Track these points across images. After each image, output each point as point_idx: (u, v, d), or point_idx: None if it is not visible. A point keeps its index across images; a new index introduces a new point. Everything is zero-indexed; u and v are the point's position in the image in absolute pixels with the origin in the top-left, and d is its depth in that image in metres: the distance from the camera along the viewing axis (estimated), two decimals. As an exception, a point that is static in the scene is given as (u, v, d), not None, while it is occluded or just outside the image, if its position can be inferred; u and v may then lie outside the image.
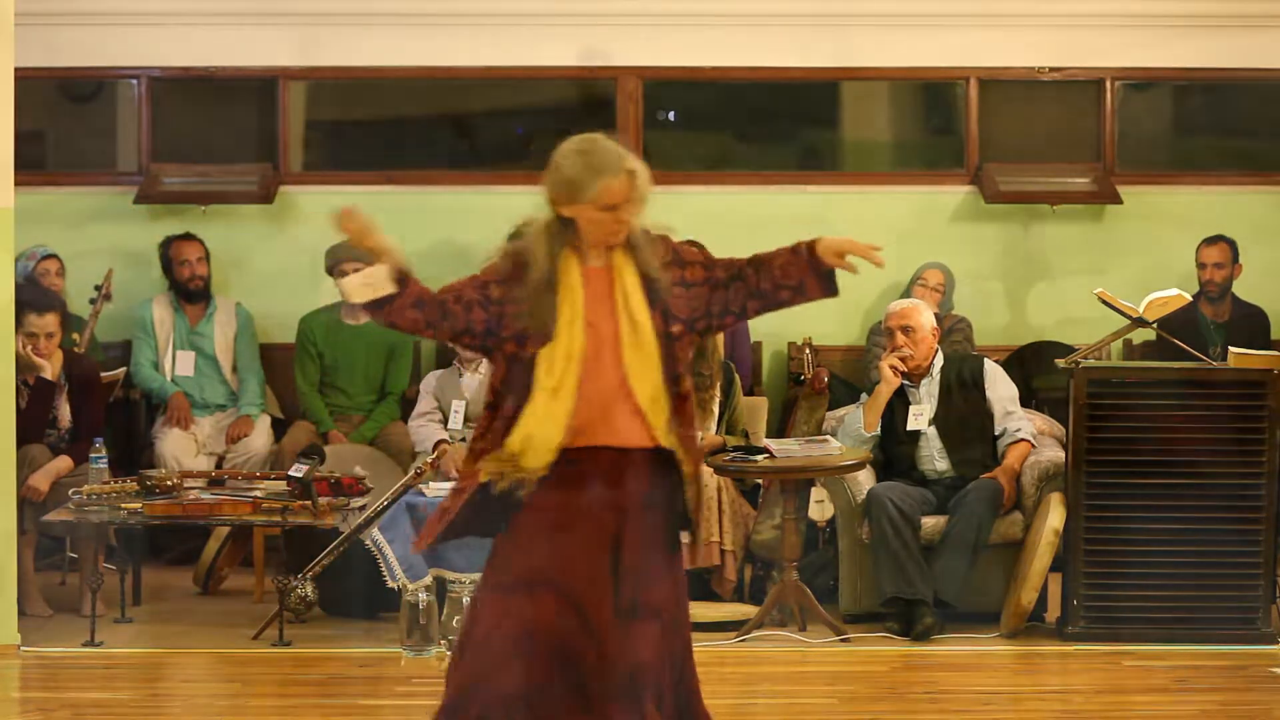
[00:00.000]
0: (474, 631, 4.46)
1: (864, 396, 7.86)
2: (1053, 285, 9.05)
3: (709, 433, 7.91)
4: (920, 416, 7.64)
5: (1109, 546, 7.24)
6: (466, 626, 4.51)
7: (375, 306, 4.43)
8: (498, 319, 4.43)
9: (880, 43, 9.16)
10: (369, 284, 4.40)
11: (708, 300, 4.52)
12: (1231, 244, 8.78)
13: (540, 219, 4.49)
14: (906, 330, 7.66)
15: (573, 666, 4.40)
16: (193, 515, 7.22)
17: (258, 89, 9.29)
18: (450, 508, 4.51)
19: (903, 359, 7.63)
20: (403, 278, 4.42)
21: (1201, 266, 8.80)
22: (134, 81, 9.20)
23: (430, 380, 8.28)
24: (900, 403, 7.68)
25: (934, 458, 7.64)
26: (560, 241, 4.46)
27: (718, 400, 7.97)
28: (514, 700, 4.38)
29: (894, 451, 7.67)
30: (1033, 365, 8.76)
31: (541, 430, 4.38)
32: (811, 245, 4.56)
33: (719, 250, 8.82)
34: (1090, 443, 7.24)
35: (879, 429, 7.67)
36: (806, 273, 4.55)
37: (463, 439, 7.83)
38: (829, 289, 4.56)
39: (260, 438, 8.57)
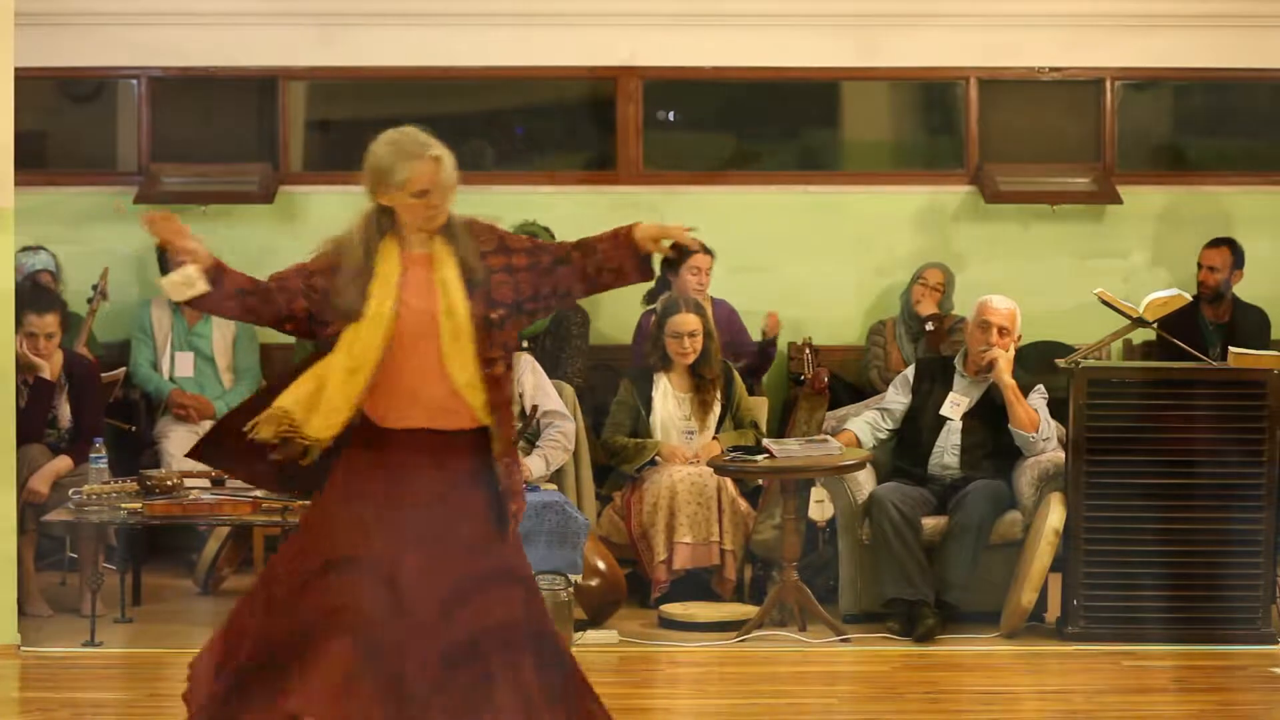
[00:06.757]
0: (273, 595, 4.58)
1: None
2: (1053, 285, 9.04)
3: (709, 434, 7.92)
4: (958, 406, 7.64)
5: (1109, 546, 7.24)
6: (267, 587, 4.63)
7: (196, 301, 4.58)
8: (320, 305, 4.60)
9: (880, 43, 9.16)
10: (185, 283, 4.54)
11: (536, 284, 4.69)
12: (1234, 248, 8.77)
13: (363, 209, 4.71)
14: (1003, 331, 7.63)
15: (384, 650, 4.51)
16: (193, 515, 7.22)
17: (258, 89, 9.29)
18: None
19: (993, 357, 7.59)
20: (217, 273, 4.57)
21: (1199, 267, 8.80)
22: (134, 81, 9.20)
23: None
24: (940, 388, 7.68)
25: (945, 451, 7.64)
26: (380, 230, 4.67)
27: (719, 402, 7.97)
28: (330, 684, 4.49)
29: (911, 435, 7.67)
30: (1033, 365, 8.75)
31: (330, 403, 4.52)
32: (630, 231, 4.74)
33: (722, 251, 8.91)
34: (1090, 443, 7.24)
35: (908, 408, 7.68)
36: (626, 257, 4.73)
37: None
38: (646, 273, 4.77)
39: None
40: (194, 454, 4.77)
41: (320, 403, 4.52)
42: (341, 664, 4.46)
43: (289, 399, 4.53)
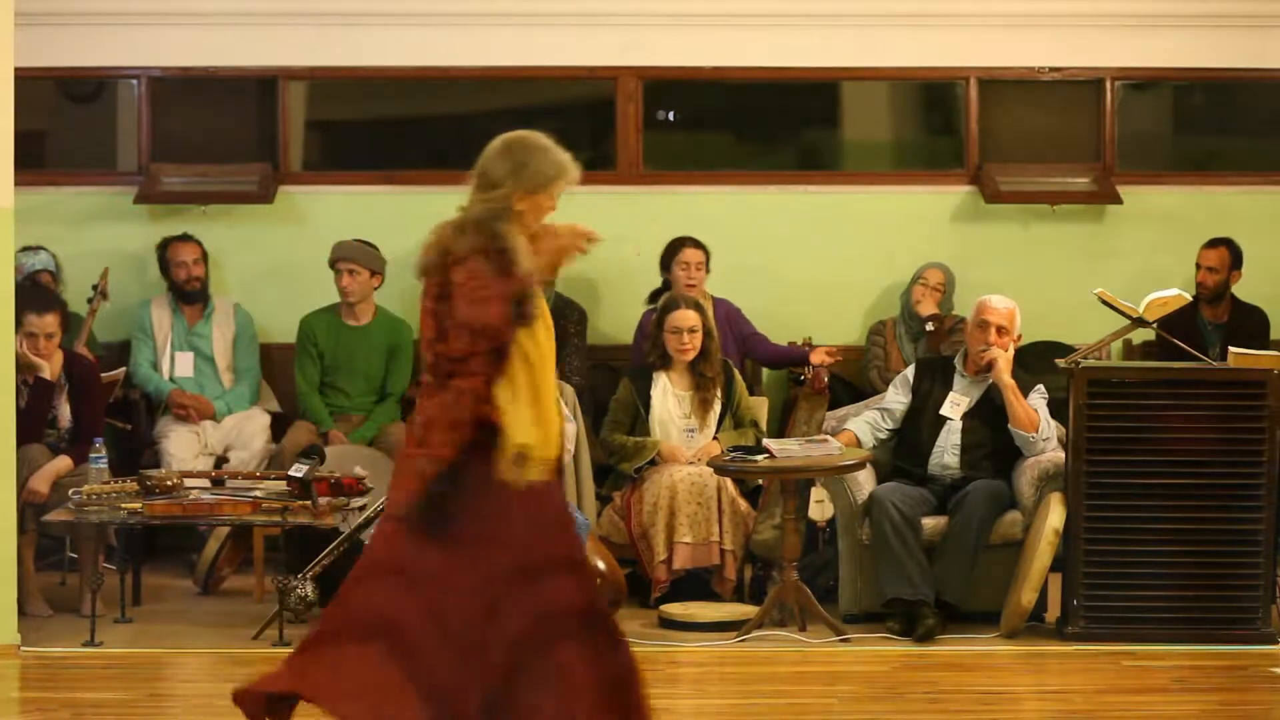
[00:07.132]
0: (451, 628, 4.54)
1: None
2: (1053, 285, 9.04)
3: (709, 432, 7.91)
4: (958, 406, 7.63)
5: (1109, 546, 7.24)
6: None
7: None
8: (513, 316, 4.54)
9: (880, 43, 9.16)
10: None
11: None
12: (1233, 249, 8.77)
13: (495, 215, 4.57)
14: (1001, 330, 7.63)
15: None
16: (193, 515, 7.22)
17: (258, 89, 9.29)
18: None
19: (993, 357, 7.58)
20: None
21: (1198, 268, 8.80)
22: (134, 81, 9.20)
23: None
24: (940, 388, 7.68)
25: (945, 451, 7.64)
26: None
27: (719, 400, 7.97)
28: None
29: (911, 435, 7.66)
30: (1033, 365, 8.76)
31: (550, 416, 4.55)
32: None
33: (722, 250, 8.91)
34: (1090, 443, 7.24)
35: (908, 408, 7.68)
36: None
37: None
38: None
39: (259, 438, 8.56)
40: (407, 513, 4.64)
41: (547, 421, 4.53)
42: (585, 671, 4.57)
43: (523, 433, 4.49)
